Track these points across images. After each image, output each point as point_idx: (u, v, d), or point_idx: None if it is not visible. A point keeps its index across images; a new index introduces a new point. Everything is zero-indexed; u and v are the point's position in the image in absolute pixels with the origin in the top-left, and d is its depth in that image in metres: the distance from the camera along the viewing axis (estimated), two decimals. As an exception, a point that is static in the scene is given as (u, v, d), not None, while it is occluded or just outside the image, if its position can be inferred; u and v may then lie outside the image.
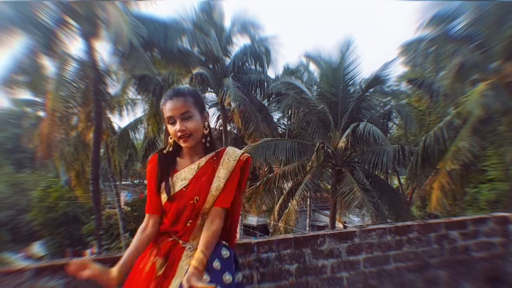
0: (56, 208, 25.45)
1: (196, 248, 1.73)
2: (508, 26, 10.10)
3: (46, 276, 2.23)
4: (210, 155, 1.88)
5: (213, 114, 18.49)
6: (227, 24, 18.30)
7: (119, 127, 21.95)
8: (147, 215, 1.93)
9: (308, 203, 17.72)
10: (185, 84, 16.51)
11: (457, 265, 3.55)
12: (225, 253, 1.80)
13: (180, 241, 1.79)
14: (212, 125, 18.59)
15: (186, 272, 1.64)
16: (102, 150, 18.78)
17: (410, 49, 14.52)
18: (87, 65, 12.99)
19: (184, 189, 1.82)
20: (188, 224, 1.79)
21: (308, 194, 14.97)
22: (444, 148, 11.77)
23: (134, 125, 20.06)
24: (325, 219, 19.79)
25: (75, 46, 13.20)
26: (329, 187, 15.34)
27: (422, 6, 12.00)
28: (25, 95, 16.01)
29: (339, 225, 17.13)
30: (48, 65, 12.76)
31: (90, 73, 12.99)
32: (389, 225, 3.40)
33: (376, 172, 14.90)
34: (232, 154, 1.89)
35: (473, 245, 3.66)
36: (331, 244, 3.06)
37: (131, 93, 19.06)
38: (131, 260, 1.78)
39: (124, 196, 28.99)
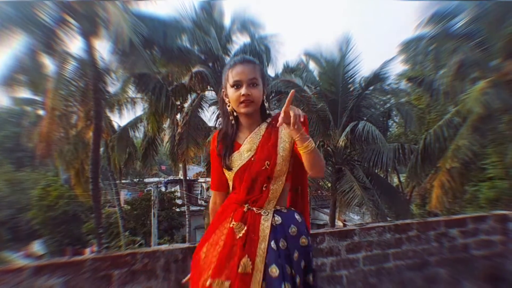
0: (55, 207, 25.49)
1: (270, 213, 1.82)
2: (508, 24, 10.09)
3: (46, 274, 2.23)
4: (268, 120, 1.92)
5: (213, 113, 18.47)
6: (227, 22, 18.28)
7: (119, 126, 21.93)
8: (213, 193, 2.04)
9: (308, 201, 17.72)
10: (186, 82, 16.52)
11: (456, 263, 3.55)
12: (298, 217, 1.90)
13: (254, 208, 1.82)
14: (211, 123, 18.70)
15: (269, 236, 1.75)
16: (101, 149, 18.76)
17: (410, 47, 14.49)
18: (87, 64, 13.00)
19: (252, 158, 1.84)
20: (264, 188, 1.82)
21: (308, 192, 14.95)
22: (444, 146, 11.77)
23: (133, 124, 20.04)
24: (325, 217, 19.79)
25: (74, 44, 13.26)
26: (329, 185, 15.33)
27: (422, 4, 11.99)
28: (24, 93, 16.03)
29: (339, 223, 17.13)
30: (48, 64, 12.79)
31: (90, 71, 13.00)
32: (388, 223, 3.41)
33: (376, 171, 14.90)
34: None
35: (472, 243, 3.66)
36: (330, 242, 3.06)
37: (131, 92, 19.06)
38: None
39: (124, 195, 28.99)
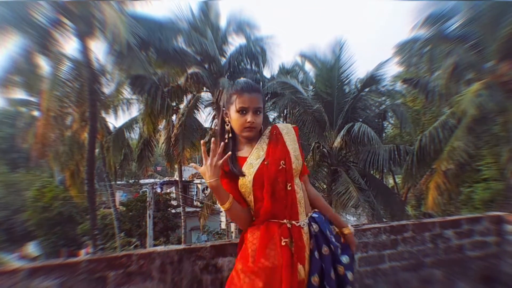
0: (50, 208, 25.38)
1: (306, 224, 1.87)
2: (502, 25, 10.14)
3: (41, 276, 2.22)
4: (267, 132, 2.00)
5: (208, 114, 18.47)
6: (222, 23, 18.29)
7: (114, 127, 21.88)
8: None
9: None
10: (181, 83, 16.51)
11: (451, 264, 3.56)
12: (323, 217, 2.00)
13: (294, 222, 1.85)
14: (207, 124, 18.71)
15: (310, 244, 1.84)
16: (97, 150, 18.74)
17: (405, 49, 14.55)
18: (82, 65, 12.96)
19: (265, 162, 1.87)
20: (289, 188, 1.84)
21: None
22: (439, 147, 11.82)
23: (129, 125, 20.01)
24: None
25: (70, 45, 13.20)
26: (325, 186, 15.35)
27: (417, 6, 12.04)
28: (19, 94, 15.95)
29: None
30: (43, 65, 12.73)
31: (85, 72, 12.96)
32: (384, 224, 3.41)
33: (372, 172, 14.93)
34: (286, 126, 2.03)
35: (467, 244, 3.68)
36: (326, 243, 3.06)
37: (126, 93, 19.03)
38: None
39: (119, 196, 28.93)
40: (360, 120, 13.86)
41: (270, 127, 2.01)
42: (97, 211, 18.69)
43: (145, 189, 24.84)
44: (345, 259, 1.91)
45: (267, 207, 1.83)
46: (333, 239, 1.90)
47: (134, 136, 20.75)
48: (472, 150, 11.27)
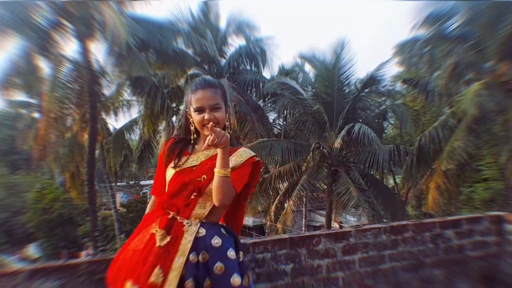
0: (51, 210, 25.39)
1: (196, 226, 1.79)
2: (502, 25, 10.15)
3: (41, 278, 2.23)
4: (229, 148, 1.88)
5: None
6: (222, 24, 18.33)
7: (114, 128, 21.89)
8: (153, 197, 2.07)
9: (304, 203, 17.73)
10: (181, 84, 16.52)
11: (452, 264, 3.56)
12: (225, 232, 1.86)
13: (178, 217, 1.81)
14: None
15: (189, 251, 1.70)
16: (97, 151, 18.73)
17: (405, 49, 14.55)
18: (82, 66, 12.96)
19: (194, 167, 1.87)
20: (193, 197, 1.81)
21: (304, 194, 15.00)
22: (439, 147, 11.82)
23: (129, 126, 20.01)
24: (321, 219, 19.81)
25: (70, 47, 13.17)
26: (325, 187, 15.35)
27: (417, 6, 12.05)
28: (20, 96, 15.96)
29: (335, 225, 17.15)
30: (43, 67, 12.74)
31: (85, 74, 12.97)
32: (384, 224, 3.41)
33: (372, 172, 14.93)
34: (245, 151, 1.96)
35: (468, 244, 3.67)
36: (326, 244, 3.06)
37: (126, 94, 19.03)
38: None
39: (119, 197, 28.93)
40: (360, 120, 13.87)
41: (240, 147, 2.00)
42: (98, 212, 18.69)
43: (146, 190, 24.89)
44: (231, 253, 1.77)
45: (163, 199, 1.90)
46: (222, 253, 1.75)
47: (134, 137, 20.75)
48: (472, 150, 11.27)
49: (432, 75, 13.95)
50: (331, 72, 14.11)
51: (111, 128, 22.14)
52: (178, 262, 1.68)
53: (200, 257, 1.72)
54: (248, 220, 21.94)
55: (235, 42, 18.18)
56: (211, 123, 1.70)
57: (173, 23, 15.22)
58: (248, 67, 17.86)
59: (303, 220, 18.40)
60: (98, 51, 13.77)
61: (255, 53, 17.49)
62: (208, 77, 1.96)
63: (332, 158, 14.13)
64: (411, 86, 14.99)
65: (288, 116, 18.51)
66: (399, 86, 19.97)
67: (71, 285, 2.28)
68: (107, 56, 13.32)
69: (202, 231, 1.78)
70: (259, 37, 18.36)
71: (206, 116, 1.81)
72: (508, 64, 10.59)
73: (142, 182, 32.34)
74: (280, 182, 14.98)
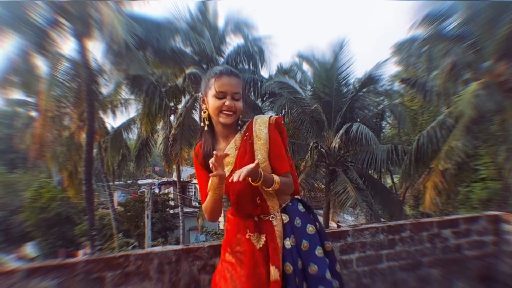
0: (48, 209, 25.33)
1: (278, 216, 1.87)
2: (500, 25, 10.16)
3: (38, 277, 2.22)
4: (242, 131, 1.93)
5: (206, 114, 18.44)
6: (220, 23, 18.31)
7: (112, 127, 21.87)
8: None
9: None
10: (179, 83, 16.51)
11: (449, 263, 3.57)
12: (301, 207, 1.96)
13: (262, 216, 1.87)
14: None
15: (282, 239, 1.83)
16: (95, 150, 18.71)
17: (403, 48, 14.60)
18: (80, 65, 12.94)
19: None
20: (258, 201, 1.85)
21: (302, 194, 14.99)
22: (437, 147, 11.83)
23: (127, 125, 19.97)
24: (319, 219, 19.82)
25: (67, 45, 13.16)
26: (323, 186, 15.36)
27: (415, 5, 12.06)
28: (17, 95, 15.94)
29: (332, 225, 17.16)
30: (41, 65, 12.71)
31: (83, 73, 12.94)
32: (381, 224, 3.41)
33: (370, 172, 14.93)
34: (261, 122, 1.92)
35: (465, 243, 3.68)
36: (324, 243, 3.06)
37: (124, 93, 19.02)
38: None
39: (117, 197, 28.89)
40: (358, 120, 13.87)
41: (248, 122, 1.95)
42: (95, 211, 18.68)
43: (143, 189, 24.83)
44: (319, 250, 1.85)
45: (238, 213, 1.93)
46: (304, 230, 1.87)
47: (132, 136, 20.72)
48: (469, 149, 11.28)
49: (430, 74, 13.98)
50: (329, 71, 14.10)
51: (109, 127, 22.12)
52: (282, 254, 1.81)
53: (291, 241, 1.82)
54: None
55: (233, 41, 18.19)
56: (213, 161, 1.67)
57: (171, 22, 15.22)
58: (246, 66, 17.85)
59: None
60: (96, 49, 13.78)
61: (253, 52, 17.48)
62: (228, 66, 1.96)
63: (330, 157, 14.13)
64: (409, 85, 15.00)
65: (286, 115, 18.52)
66: (397, 85, 20.01)
67: (68, 284, 2.28)
68: (105, 54, 13.32)
69: (286, 218, 1.88)
70: (257, 36, 18.37)
71: (228, 102, 1.80)
72: (506, 64, 10.60)
73: (140, 181, 32.35)
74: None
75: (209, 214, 1.88)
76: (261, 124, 1.90)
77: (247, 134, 1.90)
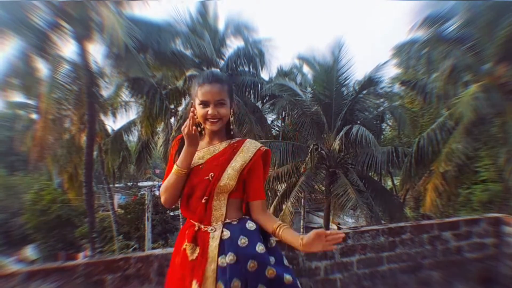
0: (49, 211, 25.29)
1: (219, 229, 1.81)
2: (500, 27, 10.17)
3: (38, 279, 2.22)
4: (232, 141, 1.94)
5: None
6: (221, 26, 18.32)
7: (113, 130, 21.85)
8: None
9: (303, 204, 17.72)
10: (180, 86, 16.51)
11: (450, 266, 3.56)
12: (251, 225, 1.87)
13: (202, 226, 1.83)
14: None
15: (217, 256, 1.75)
16: (95, 153, 18.70)
17: (403, 51, 14.58)
18: (80, 68, 12.96)
19: (201, 166, 1.86)
20: (203, 201, 1.80)
21: (302, 196, 14.98)
22: (437, 149, 11.83)
23: (127, 127, 19.95)
24: (319, 221, 19.81)
25: (68, 48, 13.16)
26: (323, 188, 15.34)
27: (415, 7, 12.07)
28: (17, 97, 15.95)
29: (333, 227, 17.14)
30: (41, 67, 12.73)
31: (83, 75, 12.96)
32: (382, 226, 3.41)
33: (370, 174, 14.92)
34: (252, 144, 1.94)
35: (465, 246, 3.68)
36: (324, 245, 3.06)
37: (125, 95, 19.02)
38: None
39: (117, 199, 28.87)
40: (358, 122, 13.86)
41: (245, 140, 1.96)
42: (96, 214, 18.66)
43: (144, 191, 24.81)
44: (272, 259, 1.80)
45: (182, 210, 1.91)
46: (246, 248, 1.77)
47: (132, 138, 20.72)
48: (470, 151, 11.28)
49: (430, 76, 13.96)
50: (329, 73, 14.10)
51: (109, 130, 22.10)
52: (210, 269, 1.74)
53: (228, 259, 1.72)
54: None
55: (234, 44, 18.19)
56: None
57: (172, 25, 15.22)
58: (247, 69, 17.87)
59: (302, 221, 18.38)
60: (97, 52, 13.78)
61: (253, 55, 17.49)
62: (216, 71, 1.97)
63: (330, 159, 14.12)
64: (409, 87, 14.99)
65: (286, 117, 18.51)
66: (397, 88, 20.00)
67: (68, 287, 2.28)
68: (105, 57, 13.33)
69: (227, 233, 1.80)
70: (257, 39, 18.37)
71: (210, 111, 1.81)
72: (506, 66, 10.61)
73: (140, 184, 32.30)
74: (279, 183, 14.98)
75: (166, 193, 1.86)
76: (251, 144, 1.93)
77: (235, 144, 1.92)
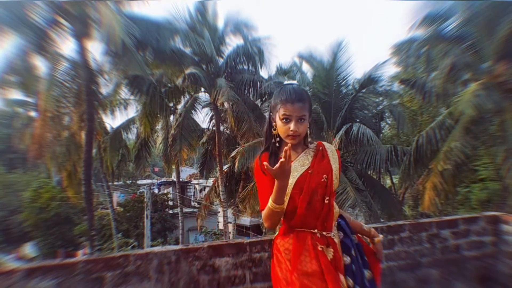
0: (48, 209, 25.33)
1: (336, 233, 2.00)
2: (499, 26, 10.16)
3: (38, 277, 2.22)
4: (314, 146, 2.07)
5: (206, 115, 18.47)
6: (220, 24, 18.30)
7: (112, 127, 21.87)
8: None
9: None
10: (179, 84, 16.49)
11: (448, 264, 3.57)
12: (343, 223, 2.11)
13: (324, 233, 1.92)
14: (205, 125, 18.72)
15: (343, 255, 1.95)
16: (94, 151, 18.70)
17: (402, 49, 14.57)
18: (79, 65, 12.93)
19: (309, 171, 1.92)
20: (326, 201, 1.89)
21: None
22: (436, 148, 11.83)
23: (126, 125, 19.97)
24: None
25: (67, 46, 13.15)
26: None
27: (414, 6, 12.07)
28: (16, 95, 15.93)
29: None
30: (40, 65, 12.69)
31: (82, 73, 12.93)
32: (381, 224, 3.42)
33: (369, 172, 14.92)
34: (331, 146, 2.11)
35: (464, 244, 3.68)
36: (323, 243, 3.06)
37: (124, 93, 19.01)
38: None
39: (116, 197, 28.90)
40: (358, 120, 13.86)
41: (316, 142, 2.08)
42: (95, 211, 18.68)
43: (143, 189, 24.85)
44: (367, 273, 2.02)
45: (300, 214, 1.88)
46: (355, 248, 2.02)
47: (131, 136, 20.73)
48: (469, 150, 11.27)
49: (429, 75, 13.95)
50: (329, 72, 14.10)
51: (108, 127, 22.12)
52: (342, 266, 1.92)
53: (352, 253, 1.97)
54: (245, 220, 21.96)
55: (233, 42, 18.16)
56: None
57: (171, 22, 15.19)
58: (246, 67, 17.85)
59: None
60: (96, 50, 13.75)
61: (252, 53, 17.47)
62: (298, 88, 1.93)
63: (329, 158, 14.10)
64: (408, 86, 14.97)
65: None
66: (396, 86, 19.98)
67: (67, 284, 2.28)
68: (104, 55, 13.31)
69: (341, 233, 2.02)
70: (256, 37, 18.34)
71: (292, 127, 1.86)
72: (506, 65, 10.60)
73: (139, 182, 32.34)
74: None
75: (269, 222, 1.87)
76: (331, 147, 2.09)
77: (319, 148, 2.04)
